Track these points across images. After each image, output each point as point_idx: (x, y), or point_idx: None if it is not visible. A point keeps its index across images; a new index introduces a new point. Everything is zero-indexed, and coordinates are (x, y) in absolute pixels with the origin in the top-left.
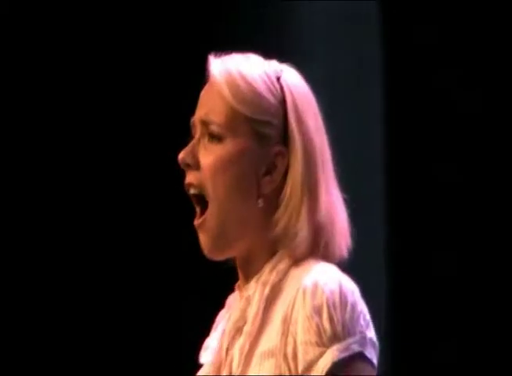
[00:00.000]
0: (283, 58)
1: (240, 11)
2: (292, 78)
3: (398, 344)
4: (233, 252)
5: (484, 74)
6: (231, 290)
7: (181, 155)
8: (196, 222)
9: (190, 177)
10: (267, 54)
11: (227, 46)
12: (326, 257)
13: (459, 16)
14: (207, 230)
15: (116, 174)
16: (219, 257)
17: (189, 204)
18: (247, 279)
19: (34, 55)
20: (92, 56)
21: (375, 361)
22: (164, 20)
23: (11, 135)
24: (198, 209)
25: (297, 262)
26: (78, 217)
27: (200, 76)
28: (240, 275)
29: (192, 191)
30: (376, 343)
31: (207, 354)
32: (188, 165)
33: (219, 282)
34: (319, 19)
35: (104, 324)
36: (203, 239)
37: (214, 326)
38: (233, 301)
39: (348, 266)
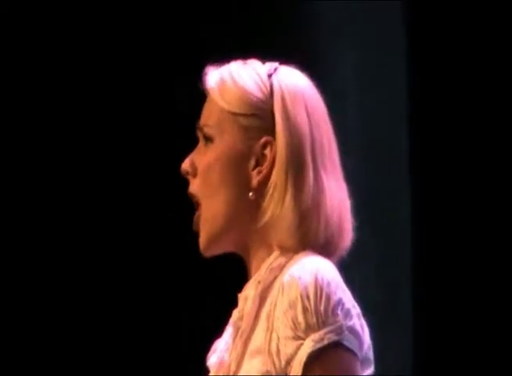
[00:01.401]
0: (309, 58)
1: (265, 12)
2: (285, 75)
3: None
4: (228, 247)
5: (504, 69)
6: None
7: (182, 166)
8: (193, 224)
9: (190, 186)
10: (292, 54)
11: (253, 48)
12: (322, 248)
13: (482, 13)
14: (201, 229)
15: (124, 175)
16: (212, 252)
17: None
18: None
19: (34, 55)
20: (95, 56)
21: (357, 349)
22: (181, 23)
23: (11, 135)
24: None
25: (292, 256)
26: (84, 217)
27: None
28: (248, 275)
29: (193, 200)
30: (358, 331)
31: (214, 356)
32: (187, 173)
33: (235, 282)
34: (343, 17)
35: (114, 324)
36: (200, 237)
37: (227, 327)
38: None
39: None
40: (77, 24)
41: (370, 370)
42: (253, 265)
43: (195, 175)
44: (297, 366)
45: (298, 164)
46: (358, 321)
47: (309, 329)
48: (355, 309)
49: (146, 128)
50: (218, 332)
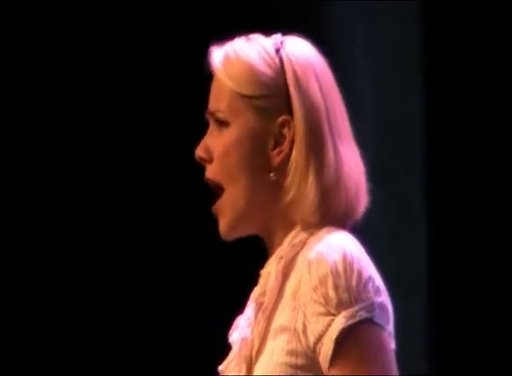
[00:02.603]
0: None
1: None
2: (293, 48)
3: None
4: (249, 229)
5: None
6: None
7: (196, 152)
8: (213, 208)
9: (207, 172)
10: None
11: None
12: (341, 220)
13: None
14: (222, 213)
15: (125, 167)
16: (234, 236)
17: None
18: (272, 255)
19: (34, 55)
20: (94, 55)
21: (387, 325)
22: (192, 17)
23: (11, 135)
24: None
25: (313, 232)
26: (86, 209)
27: None
28: (268, 252)
29: (212, 185)
30: (388, 306)
31: (236, 333)
32: (203, 159)
33: (255, 260)
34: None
35: (136, 300)
36: (220, 221)
37: (248, 303)
38: None
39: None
40: (79, 24)
41: (393, 343)
42: (274, 243)
43: (211, 161)
44: (328, 342)
45: (318, 139)
46: (386, 297)
47: (341, 305)
48: (382, 284)
49: (147, 121)
50: (239, 309)
